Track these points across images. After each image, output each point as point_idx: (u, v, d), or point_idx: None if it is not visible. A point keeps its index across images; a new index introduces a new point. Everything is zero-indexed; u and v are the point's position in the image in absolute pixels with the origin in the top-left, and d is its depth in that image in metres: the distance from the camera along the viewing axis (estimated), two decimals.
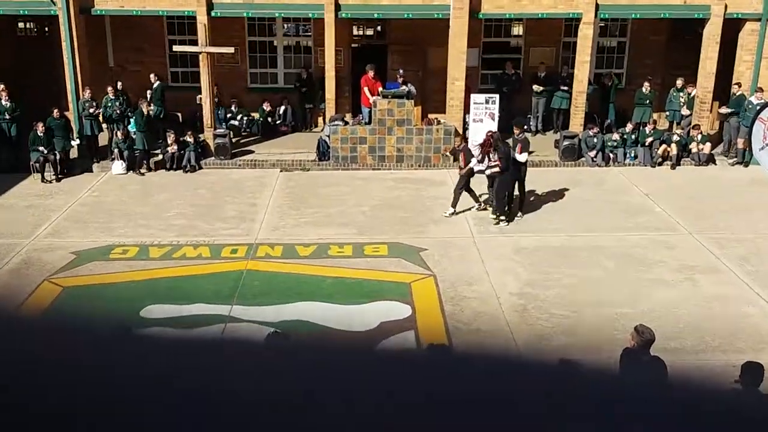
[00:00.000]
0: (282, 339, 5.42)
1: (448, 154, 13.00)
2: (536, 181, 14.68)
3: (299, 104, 18.27)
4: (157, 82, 16.92)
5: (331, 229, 12.11)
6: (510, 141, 12.63)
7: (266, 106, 18.02)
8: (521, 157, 12.24)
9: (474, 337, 8.62)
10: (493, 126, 15.14)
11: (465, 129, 16.40)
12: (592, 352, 8.14)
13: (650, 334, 5.84)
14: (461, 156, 12.36)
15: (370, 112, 16.08)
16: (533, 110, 17.82)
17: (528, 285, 9.93)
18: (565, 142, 15.95)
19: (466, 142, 12.40)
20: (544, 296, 9.58)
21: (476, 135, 15.17)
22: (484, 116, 15.18)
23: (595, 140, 15.94)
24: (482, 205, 12.56)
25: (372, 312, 9.21)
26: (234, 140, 17.00)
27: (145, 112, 15.42)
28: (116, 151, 15.51)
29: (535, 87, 17.42)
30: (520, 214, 12.40)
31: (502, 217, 12.06)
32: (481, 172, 12.20)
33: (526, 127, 18.03)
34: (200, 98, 16.62)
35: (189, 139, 15.75)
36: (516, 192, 12.42)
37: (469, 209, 12.73)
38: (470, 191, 12.46)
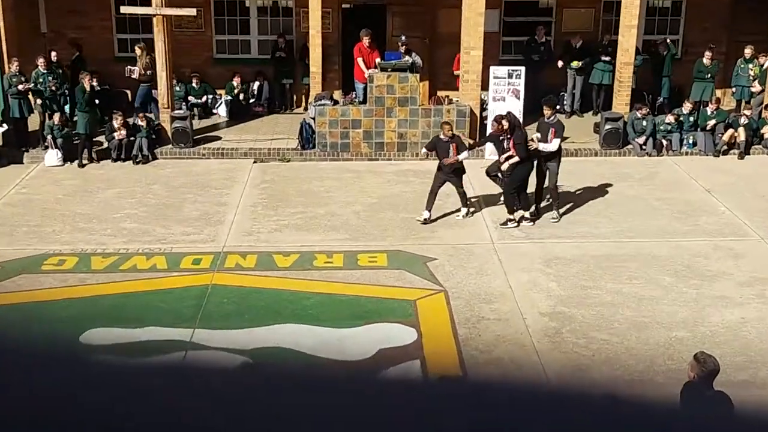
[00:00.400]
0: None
1: (468, 142, 12.91)
2: (572, 173, 14.66)
3: (277, 79, 18.29)
4: (77, 54, 16.88)
5: (317, 233, 12.10)
6: (536, 125, 12.60)
7: (236, 82, 18.04)
8: (553, 145, 12.22)
9: (495, 368, 8.60)
10: (518, 105, 15.15)
11: (483, 109, 16.42)
12: (642, 385, 8.12)
13: (714, 363, 5.84)
14: (452, 149, 12.18)
15: (365, 88, 16.09)
16: (568, 86, 17.86)
17: (562, 303, 9.93)
18: (608, 126, 15.98)
19: (452, 135, 12.27)
20: (581, 317, 9.57)
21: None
22: (506, 94, 15.21)
23: (645, 123, 15.97)
24: (469, 211, 12.50)
25: (368, 337, 9.20)
26: (196, 124, 17.01)
27: (88, 88, 15.41)
28: (50, 137, 15.50)
29: (574, 63, 17.43)
30: (555, 214, 12.39)
31: (512, 217, 12.12)
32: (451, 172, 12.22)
33: (558, 107, 18.08)
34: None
35: (140, 122, 15.75)
36: (546, 185, 12.42)
37: (446, 215, 12.71)
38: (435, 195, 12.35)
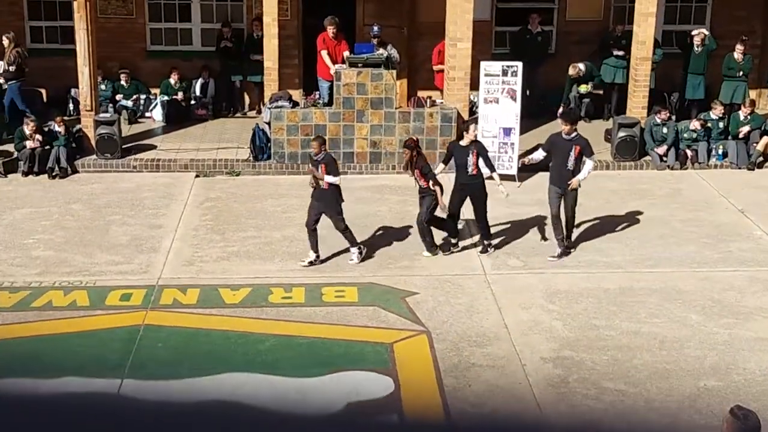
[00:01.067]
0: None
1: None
2: (580, 189, 14.76)
3: (223, 76, 18.27)
4: None
5: (274, 263, 12.06)
6: (549, 142, 12.46)
7: (174, 79, 18.01)
8: (586, 170, 12.09)
9: (488, 426, 8.57)
10: (515, 108, 15.23)
11: (473, 112, 16.50)
12: None
13: (755, 420, 5.84)
14: (321, 168, 11.77)
15: (330, 87, 16.12)
16: (574, 88, 17.94)
17: (568, 346, 9.95)
18: (622, 134, 16.10)
19: (416, 144, 12.10)
20: (592, 363, 9.60)
21: (488, 122, 15.30)
22: (500, 94, 15.30)
23: (665, 130, 16.12)
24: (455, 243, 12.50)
25: (335, 388, 9.16)
26: (126, 130, 16.93)
27: None
28: None
29: (582, 88, 17.65)
30: (556, 251, 12.28)
31: (435, 250, 12.25)
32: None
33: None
34: None
35: (58, 128, 15.65)
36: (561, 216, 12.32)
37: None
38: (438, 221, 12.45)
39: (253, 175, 15.62)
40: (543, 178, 15.39)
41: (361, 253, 12.07)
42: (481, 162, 12.15)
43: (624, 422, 8.65)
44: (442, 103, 16.22)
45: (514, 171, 15.21)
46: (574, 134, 12.10)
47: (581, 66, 17.51)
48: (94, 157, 15.84)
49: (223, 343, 10.06)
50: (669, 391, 9.08)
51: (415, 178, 12.15)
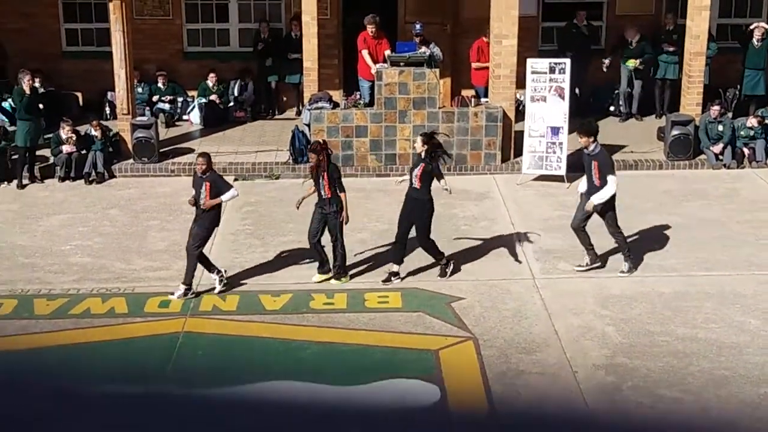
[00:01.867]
0: None
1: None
2: (631, 191, 14.62)
3: (261, 77, 18.37)
4: None
5: (315, 268, 12.09)
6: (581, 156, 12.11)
7: (212, 81, 18.14)
8: (609, 189, 11.36)
9: None
10: (563, 107, 15.15)
11: (519, 112, 16.44)
12: None
13: None
14: (205, 188, 11.20)
15: (371, 87, 16.14)
16: (622, 84, 17.88)
17: (622, 352, 9.88)
18: (675, 132, 15.98)
19: (323, 147, 11.43)
20: (646, 370, 9.52)
21: (536, 122, 15.24)
22: (548, 92, 15.23)
23: (721, 128, 15.96)
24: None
25: (380, 396, 9.17)
26: (163, 133, 17.07)
27: (27, 91, 15.51)
28: None
29: (630, 63, 17.47)
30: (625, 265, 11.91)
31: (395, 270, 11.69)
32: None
33: (613, 108, 18.12)
34: None
35: (94, 132, 15.82)
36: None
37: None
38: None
39: (293, 178, 15.66)
40: None
41: (221, 281, 11.40)
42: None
43: (682, 430, 8.57)
44: (487, 101, 16.18)
45: (563, 171, 15.14)
46: (593, 147, 11.42)
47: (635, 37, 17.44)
48: (131, 161, 15.99)
49: (264, 351, 10.11)
50: (727, 399, 8.98)
51: (321, 187, 11.39)
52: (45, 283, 11.78)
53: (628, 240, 12.12)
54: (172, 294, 11.27)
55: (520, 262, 12.14)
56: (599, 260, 11.93)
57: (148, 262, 12.38)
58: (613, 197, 11.53)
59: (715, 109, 15.97)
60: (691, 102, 16.40)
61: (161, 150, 16.19)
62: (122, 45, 15.87)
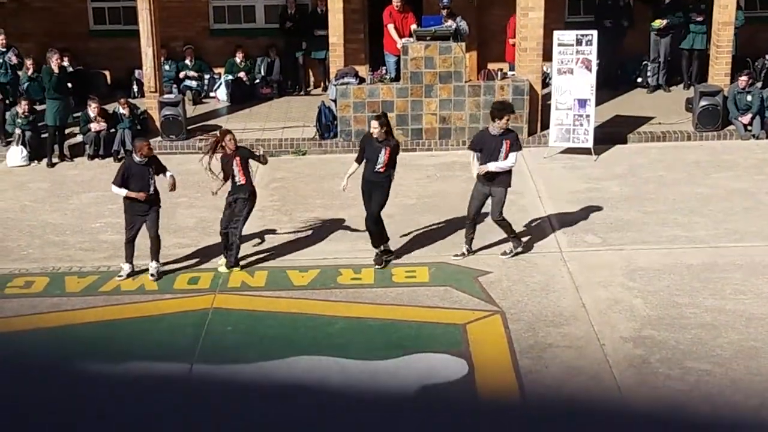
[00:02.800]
0: None
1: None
2: (660, 162, 14.54)
3: (287, 53, 18.36)
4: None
5: (343, 243, 12.11)
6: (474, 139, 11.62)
7: (239, 58, 18.15)
8: (509, 161, 11.14)
9: (566, 408, 8.52)
10: (590, 79, 15.04)
11: (546, 85, 16.35)
12: (753, 428, 8.01)
13: None
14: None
15: (397, 62, 16.09)
16: (652, 53, 17.75)
17: (650, 325, 9.85)
18: (703, 102, 15.86)
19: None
20: (674, 342, 9.48)
21: (563, 94, 15.15)
22: (574, 65, 15.12)
23: (750, 98, 15.82)
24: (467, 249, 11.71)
25: (407, 371, 9.18)
26: (190, 110, 17.13)
27: (56, 70, 15.59)
28: (14, 131, 15.69)
29: (656, 23, 17.30)
30: (511, 248, 11.60)
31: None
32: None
33: (641, 79, 17.98)
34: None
35: (122, 110, 15.90)
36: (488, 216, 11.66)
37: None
38: None
39: (320, 154, 15.70)
40: (621, 151, 15.35)
41: (156, 275, 11.21)
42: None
43: (709, 404, 8.54)
44: (513, 75, 16.10)
45: (590, 144, 15.06)
46: (503, 129, 11.10)
47: None
48: (159, 138, 16.06)
49: (292, 326, 10.15)
50: (757, 371, 8.93)
51: (233, 173, 11.18)
52: (76, 260, 11.88)
53: (656, 215, 12.06)
54: (152, 276, 11.28)
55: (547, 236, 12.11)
56: (522, 245, 11.63)
57: (177, 238, 12.45)
58: (508, 181, 11.30)
59: (743, 79, 15.82)
60: (719, 72, 16.27)
61: (188, 127, 16.26)
62: (149, 23, 15.91)
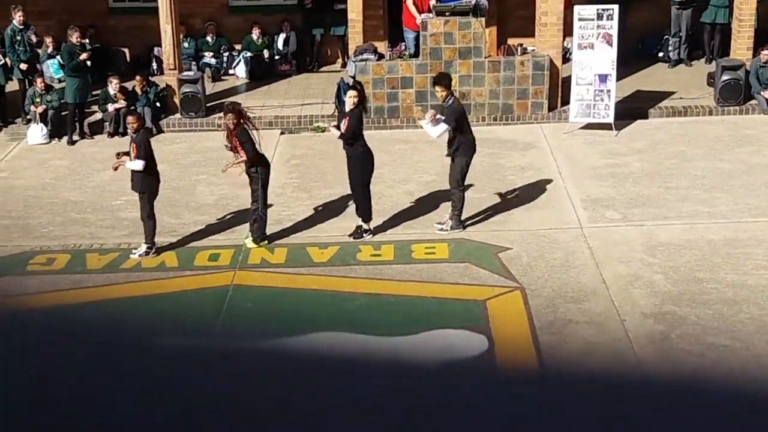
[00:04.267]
0: None
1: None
2: (682, 137, 14.47)
3: (306, 30, 18.32)
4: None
5: (355, 220, 12.14)
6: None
7: (256, 34, 18.12)
8: (436, 129, 11.47)
9: (586, 384, 8.54)
10: (611, 54, 14.93)
11: (566, 60, 16.25)
12: None
13: None
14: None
15: (416, 38, 16.03)
16: (673, 27, 17.61)
17: (670, 300, 9.83)
18: (725, 77, 15.74)
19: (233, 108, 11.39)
20: (695, 318, 9.47)
21: (583, 69, 15.06)
22: (595, 39, 15.01)
23: None
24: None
25: (427, 347, 9.20)
26: (210, 88, 17.14)
27: (77, 45, 15.61)
28: (33, 109, 15.76)
29: None
30: (448, 223, 11.68)
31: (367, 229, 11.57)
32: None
33: (662, 53, 17.83)
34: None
35: (138, 88, 15.92)
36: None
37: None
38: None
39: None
40: (642, 126, 15.27)
41: (148, 251, 11.26)
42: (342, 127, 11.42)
43: (730, 380, 8.51)
44: (533, 50, 16.01)
45: (611, 119, 14.98)
46: (449, 99, 11.40)
47: None
48: (179, 116, 16.10)
49: (312, 303, 10.20)
50: None
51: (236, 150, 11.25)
52: (97, 238, 11.95)
53: (675, 190, 12.01)
54: (133, 254, 11.30)
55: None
56: (462, 226, 11.66)
57: (198, 216, 12.50)
58: (469, 152, 11.42)
59: (765, 54, 15.68)
60: (741, 46, 16.15)
61: (208, 104, 16.27)
62: (168, 0, 15.89)
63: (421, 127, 11.84)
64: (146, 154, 11.19)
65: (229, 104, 11.76)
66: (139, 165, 11.18)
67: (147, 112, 15.67)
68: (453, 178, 11.55)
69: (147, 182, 11.32)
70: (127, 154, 11.32)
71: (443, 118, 11.43)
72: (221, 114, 11.24)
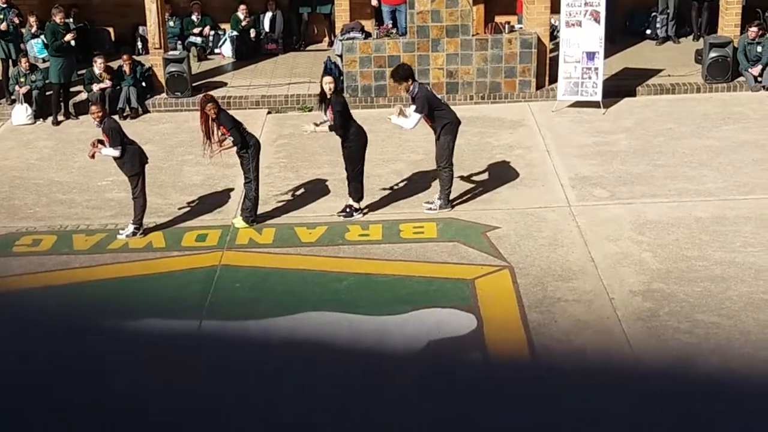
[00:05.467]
0: None
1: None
2: (669, 114, 14.48)
3: (292, 8, 18.24)
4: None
5: (350, 199, 12.13)
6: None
7: (242, 13, 18.03)
8: (408, 121, 11.48)
9: (575, 362, 8.56)
10: (599, 32, 14.92)
11: (554, 38, 16.23)
12: (763, 379, 8.04)
13: None
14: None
15: (392, 12, 16.00)
16: (660, 4, 17.61)
17: (659, 278, 9.86)
18: (713, 54, 15.75)
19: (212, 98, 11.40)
20: (683, 295, 9.51)
21: (571, 47, 15.04)
22: (583, 17, 15.00)
23: (760, 49, 15.70)
24: None
25: (416, 326, 9.23)
26: (195, 67, 17.07)
27: (60, 25, 15.52)
28: (17, 89, 15.67)
29: None
30: (435, 203, 11.68)
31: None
32: None
33: (650, 31, 17.83)
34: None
35: (125, 67, 15.84)
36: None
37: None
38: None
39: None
40: (629, 103, 15.28)
41: (135, 232, 11.25)
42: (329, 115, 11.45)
43: (718, 356, 8.57)
44: (521, 28, 15.99)
45: (598, 97, 14.98)
46: (413, 88, 11.28)
47: None
48: (165, 96, 16.03)
49: (301, 283, 10.20)
50: (766, 323, 8.97)
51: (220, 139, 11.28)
52: (83, 218, 11.92)
53: (664, 168, 12.03)
54: (120, 234, 11.30)
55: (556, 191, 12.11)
56: (450, 206, 11.68)
57: (184, 196, 12.48)
58: (450, 131, 11.43)
59: (753, 30, 15.69)
60: (729, 23, 16.14)
61: (194, 84, 16.20)
62: None
63: (395, 123, 11.71)
64: (120, 139, 11.18)
65: (204, 96, 11.73)
66: (116, 152, 11.21)
67: (132, 92, 15.62)
68: (440, 156, 11.55)
69: (131, 164, 11.28)
70: (102, 142, 11.29)
71: (413, 107, 11.35)
72: (200, 108, 11.22)
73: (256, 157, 11.36)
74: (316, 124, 11.64)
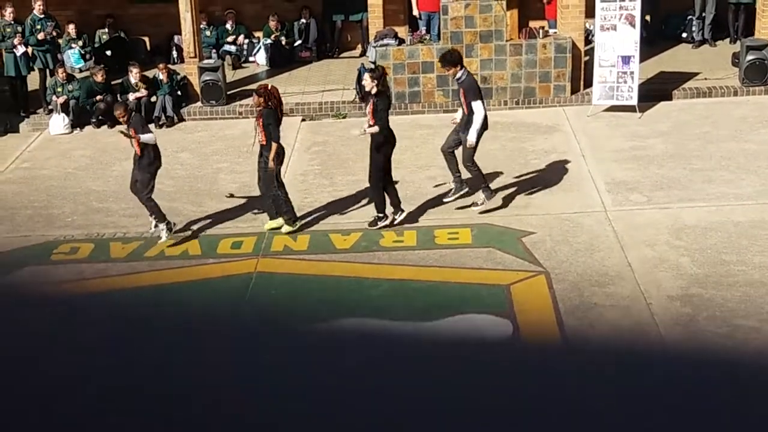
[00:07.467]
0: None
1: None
2: (706, 118, 14.35)
3: (325, 16, 18.30)
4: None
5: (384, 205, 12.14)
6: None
7: (273, 23, 18.10)
8: (476, 120, 11.18)
9: (613, 368, 8.52)
10: (634, 35, 14.84)
11: (588, 42, 16.17)
12: None
13: None
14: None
15: (427, 18, 16.00)
16: (697, 6, 17.48)
17: (697, 283, 9.78)
18: (750, 57, 15.62)
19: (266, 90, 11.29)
20: (722, 300, 9.42)
21: (606, 51, 14.98)
22: (618, 21, 14.92)
23: None
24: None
25: (451, 333, 9.20)
26: (230, 75, 17.16)
27: (98, 36, 15.68)
28: (54, 99, 15.83)
29: None
30: (481, 197, 11.56)
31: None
32: None
33: (685, 34, 17.72)
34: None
35: (162, 76, 15.96)
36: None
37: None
38: None
39: (360, 116, 15.62)
40: (665, 107, 15.17)
41: (169, 227, 11.26)
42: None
43: (758, 363, 8.47)
44: (555, 32, 15.94)
45: (634, 101, 14.89)
46: (460, 74, 11.24)
47: None
48: (200, 104, 16.13)
49: (336, 289, 10.21)
50: None
51: (257, 133, 11.30)
52: (120, 226, 12.01)
53: (696, 171, 11.94)
54: (151, 231, 11.38)
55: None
56: (466, 186, 11.53)
57: (220, 204, 12.53)
58: (481, 127, 11.25)
59: None
60: (766, 26, 16.04)
61: (228, 92, 16.29)
62: None
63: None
64: (148, 128, 11.43)
65: (260, 86, 11.74)
66: (152, 137, 11.40)
67: (168, 101, 15.73)
68: (465, 156, 11.45)
69: (148, 159, 11.36)
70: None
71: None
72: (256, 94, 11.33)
73: (275, 161, 11.35)
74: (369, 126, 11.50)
